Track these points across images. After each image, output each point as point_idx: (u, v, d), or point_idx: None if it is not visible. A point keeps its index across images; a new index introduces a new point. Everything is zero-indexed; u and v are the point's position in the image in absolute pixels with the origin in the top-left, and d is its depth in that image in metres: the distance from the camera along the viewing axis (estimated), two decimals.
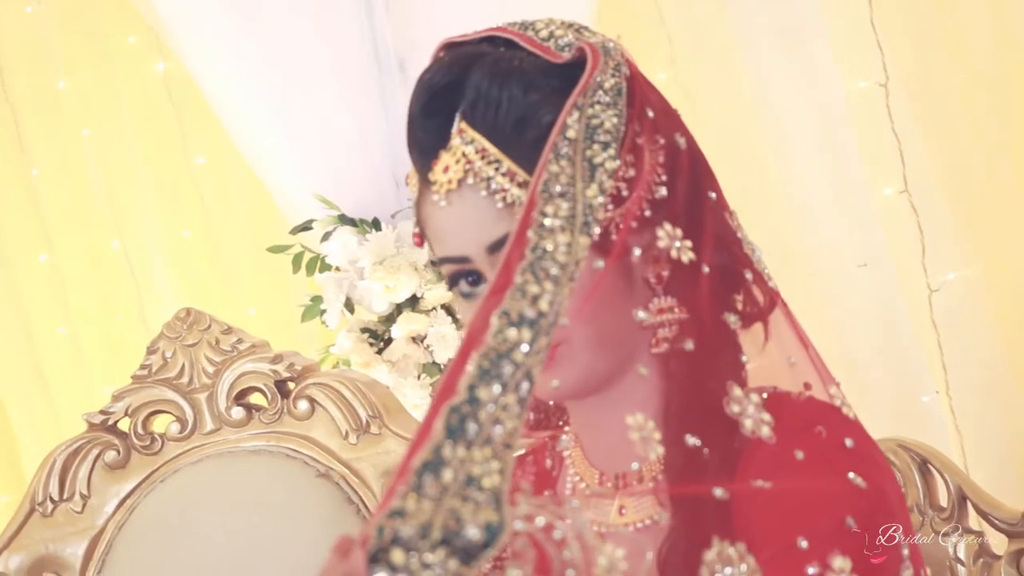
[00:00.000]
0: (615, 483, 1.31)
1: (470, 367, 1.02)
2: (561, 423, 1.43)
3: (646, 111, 1.22)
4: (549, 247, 1.10)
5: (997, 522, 1.83)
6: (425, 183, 1.27)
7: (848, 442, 1.20)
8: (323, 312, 2.86)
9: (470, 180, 1.23)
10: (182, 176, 3.42)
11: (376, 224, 2.78)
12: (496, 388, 1.01)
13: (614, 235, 1.19)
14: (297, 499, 2.22)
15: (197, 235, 3.46)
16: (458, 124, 1.24)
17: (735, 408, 1.18)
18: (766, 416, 1.18)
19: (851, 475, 1.17)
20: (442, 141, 1.25)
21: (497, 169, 1.22)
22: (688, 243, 1.21)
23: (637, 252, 1.20)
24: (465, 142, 1.23)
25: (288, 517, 2.20)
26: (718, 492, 1.14)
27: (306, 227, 2.83)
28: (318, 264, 2.86)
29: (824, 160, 2.78)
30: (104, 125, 3.43)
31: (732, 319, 1.23)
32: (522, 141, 1.22)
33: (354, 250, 2.77)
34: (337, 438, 2.21)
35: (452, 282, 1.30)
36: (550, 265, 1.09)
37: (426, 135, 1.26)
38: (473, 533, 0.92)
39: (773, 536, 1.14)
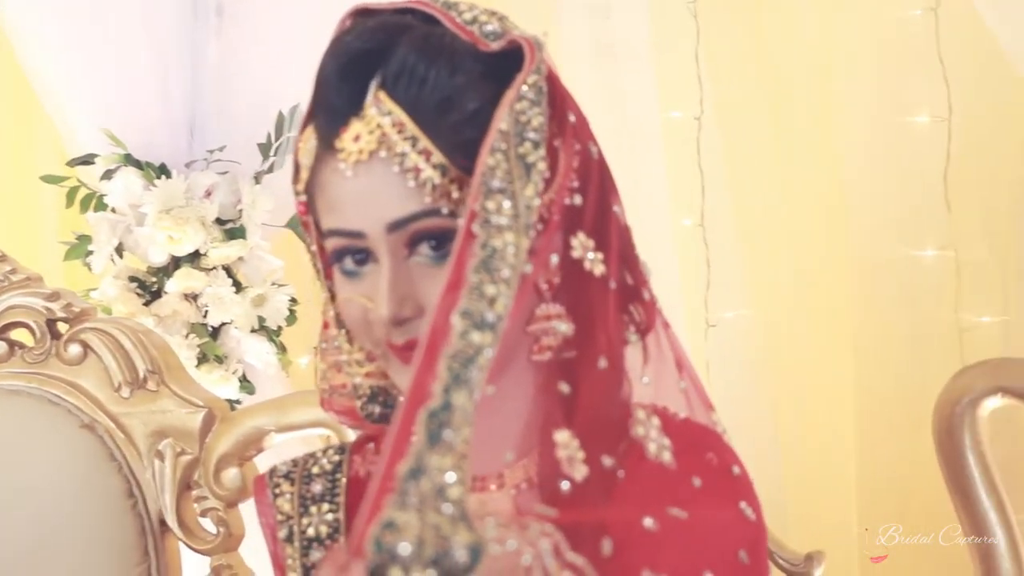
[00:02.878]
0: (472, 483, 1.26)
1: (442, 370, 0.97)
2: None
3: (568, 115, 1.19)
4: (498, 245, 1.06)
5: (781, 562, 1.86)
6: (329, 149, 1.19)
7: (735, 470, 1.17)
8: (89, 253, 2.69)
9: (382, 153, 1.17)
10: None
11: (164, 170, 2.64)
12: (466, 394, 0.97)
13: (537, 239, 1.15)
14: (54, 447, 2.08)
15: None
16: (375, 93, 1.17)
17: (640, 431, 1.15)
18: (666, 441, 1.15)
19: (742, 504, 1.15)
20: (355, 108, 1.18)
21: (413, 146, 1.16)
22: (600, 255, 1.17)
23: (555, 259, 1.16)
24: (382, 113, 1.17)
25: (41, 465, 2.06)
26: (647, 522, 1.10)
27: (87, 161, 2.66)
28: (93, 202, 2.70)
29: (630, 183, 2.77)
30: None
31: (633, 338, 1.20)
32: (443, 122, 1.16)
33: (138, 194, 2.62)
34: (108, 389, 2.09)
35: (337, 257, 1.22)
36: (502, 265, 1.05)
37: (339, 99, 1.18)
38: (460, 555, 0.89)
39: (683, 569, 1.10)
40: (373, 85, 1.17)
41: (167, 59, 2.67)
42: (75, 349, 2.11)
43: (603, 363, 1.15)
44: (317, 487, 1.36)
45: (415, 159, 1.16)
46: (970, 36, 2.67)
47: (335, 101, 1.18)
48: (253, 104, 2.68)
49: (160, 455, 2.06)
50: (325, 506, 1.35)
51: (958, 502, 1.85)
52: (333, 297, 1.28)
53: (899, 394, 2.85)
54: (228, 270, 2.65)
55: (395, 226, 1.17)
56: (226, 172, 2.66)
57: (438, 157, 1.16)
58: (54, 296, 2.14)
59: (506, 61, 1.18)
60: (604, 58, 2.81)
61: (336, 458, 1.38)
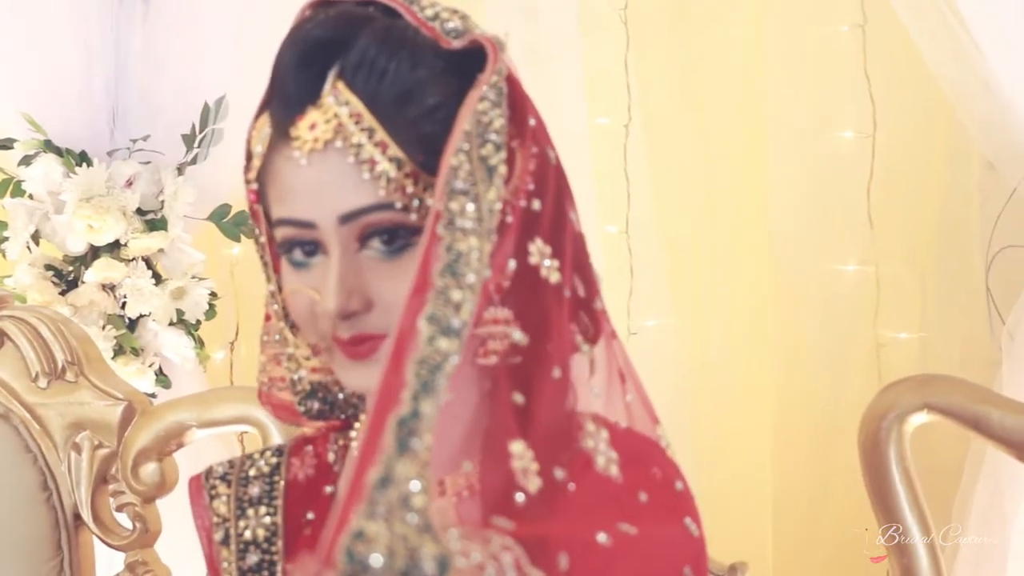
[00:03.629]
0: None
1: (410, 377, 0.97)
2: (344, 416, 1.35)
3: (528, 118, 1.17)
4: (463, 249, 1.05)
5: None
6: (283, 137, 1.18)
7: (679, 485, 1.17)
8: (3, 240, 2.63)
9: (338, 143, 1.15)
10: None
11: (84, 158, 2.59)
12: (433, 401, 0.96)
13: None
14: None
15: None
16: (333, 82, 1.16)
17: (589, 443, 1.14)
18: (613, 453, 1.14)
19: (687, 520, 1.14)
20: (312, 96, 1.16)
21: (370, 137, 1.15)
22: (556, 263, 1.15)
23: (512, 265, 1.13)
24: (339, 103, 1.15)
25: None
26: (601, 537, 1.08)
27: (6, 145, 2.60)
28: (10, 188, 2.63)
29: None
30: None
31: (584, 347, 1.18)
32: (401, 116, 1.15)
33: (58, 181, 2.56)
34: (24, 379, 2.04)
35: (286, 247, 1.20)
36: (466, 270, 1.04)
37: (296, 87, 1.17)
38: (429, 567, 0.88)
39: None
40: (331, 75, 1.16)
41: (91, 44, 2.61)
42: None
43: (557, 373, 1.14)
44: (254, 489, 1.34)
45: (371, 151, 1.14)
46: (897, 53, 2.70)
47: (292, 89, 1.17)
48: (178, 93, 2.63)
49: (77, 447, 2.02)
50: (263, 509, 1.33)
51: (881, 515, 1.87)
52: (280, 289, 1.26)
53: (817, 406, 2.87)
54: (147, 261, 2.61)
55: (347, 218, 1.16)
56: (148, 162, 2.61)
57: (394, 151, 1.15)
58: None
59: (467, 60, 1.17)
60: (532, 60, 2.80)
61: (273, 460, 1.36)
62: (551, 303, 1.15)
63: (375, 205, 1.15)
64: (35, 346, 2.04)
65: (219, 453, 2.70)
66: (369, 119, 1.15)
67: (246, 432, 2.07)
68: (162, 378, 2.63)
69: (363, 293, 1.16)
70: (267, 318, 1.33)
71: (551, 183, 1.18)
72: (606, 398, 1.18)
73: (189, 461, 2.11)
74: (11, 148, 2.61)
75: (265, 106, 1.21)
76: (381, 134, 1.15)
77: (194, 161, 2.63)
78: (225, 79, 2.64)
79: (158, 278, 2.61)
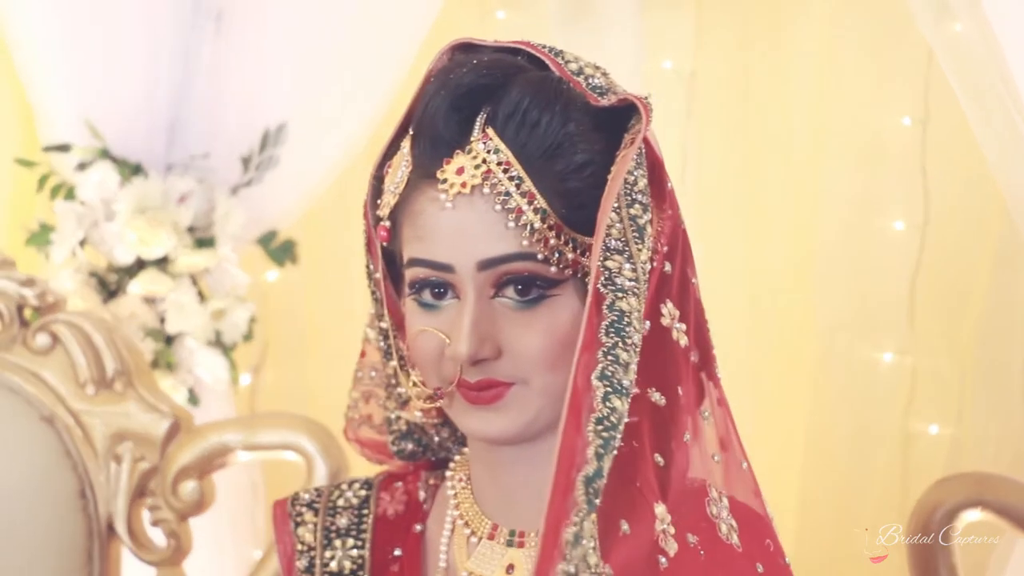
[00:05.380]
0: (510, 539, 1.24)
1: (591, 435, 0.99)
2: (433, 458, 1.34)
3: (666, 180, 1.18)
4: (626, 308, 1.07)
5: None
6: (427, 178, 1.18)
7: (787, 559, 1.17)
8: (49, 243, 2.62)
9: (486, 189, 1.16)
10: None
11: (139, 170, 2.59)
12: (610, 459, 1.00)
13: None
14: (11, 437, 2.01)
15: None
16: (482, 128, 1.17)
17: (713, 509, 1.14)
18: (734, 522, 1.15)
19: None
20: (461, 141, 1.17)
21: (518, 187, 1.15)
22: (684, 326, 1.16)
23: (647, 325, 1.13)
24: (488, 150, 1.16)
25: None
26: None
27: (64, 148, 2.60)
28: (63, 191, 2.63)
29: None
30: None
31: (706, 413, 1.19)
32: (548, 169, 1.16)
33: (112, 190, 2.56)
34: (72, 384, 2.03)
35: (415, 287, 1.20)
36: (630, 330, 1.06)
37: (447, 130, 1.17)
38: None
39: None
40: (480, 120, 1.16)
41: (160, 56, 2.62)
42: (43, 339, 2.05)
43: (687, 436, 1.14)
44: (343, 520, 1.33)
45: (518, 200, 1.15)
46: (955, 149, 2.70)
47: (443, 132, 1.17)
48: (238, 114, 2.63)
49: (118, 458, 2.01)
50: (350, 541, 1.32)
51: None
52: (393, 327, 1.26)
53: (840, 487, 2.86)
54: (192, 278, 2.60)
55: (487, 264, 1.16)
56: (203, 180, 2.61)
57: (540, 202, 1.15)
58: (30, 282, 2.09)
59: (611, 117, 1.17)
60: None
61: (362, 493, 1.35)
62: (681, 365, 1.15)
63: (517, 254, 1.15)
64: (86, 353, 2.03)
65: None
66: (517, 168, 1.15)
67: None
68: (192, 397, 2.62)
69: (494, 340, 1.17)
70: (362, 354, 1.33)
71: (680, 246, 1.18)
72: (724, 465, 1.18)
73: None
74: (68, 151, 2.61)
75: (394, 145, 1.22)
76: (528, 184, 1.15)
77: (248, 183, 2.63)
78: (285, 105, 2.65)
79: (201, 296, 2.60)
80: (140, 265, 2.58)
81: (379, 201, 1.24)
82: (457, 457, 1.33)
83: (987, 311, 2.71)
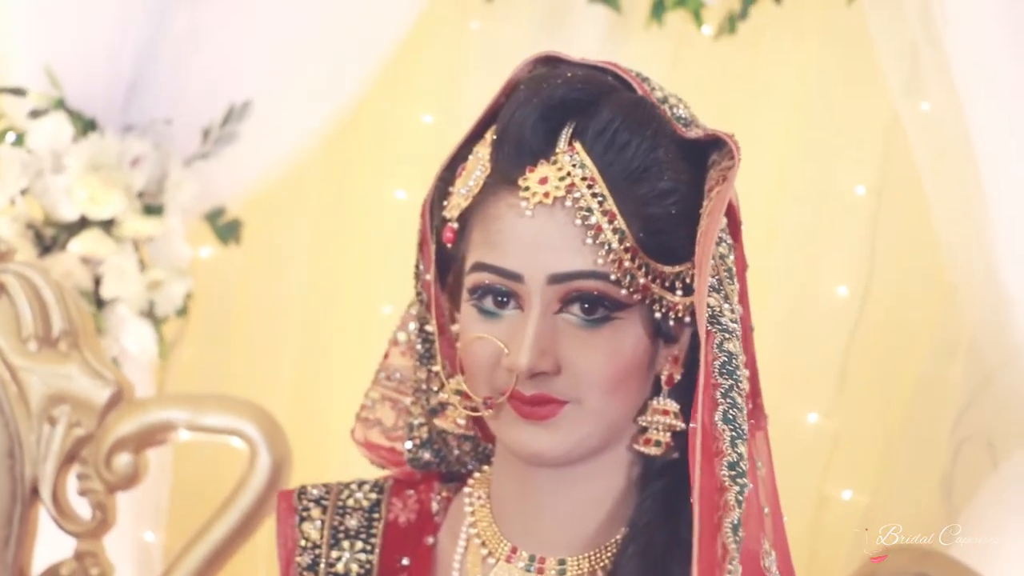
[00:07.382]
0: (529, 564, 1.21)
1: (727, 480, 1.02)
2: (446, 471, 1.32)
3: (739, 219, 1.17)
4: (733, 350, 1.07)
5: None
6: (507, 184, 1.16)
7: None
8: None
9: (568, 202, 1.14)
10: None
11: (93, 126, 2.51)
12: (744, 507, 1.02)
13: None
14: None
15: None
16: (568, 141, 1.15)
17: (766, 562, 1.12)
18: None
19: None
20: (547, 151, 1.16)
21: (600, 204, 1.14)
22: (747, 372, 1.15)
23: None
24: (574, 163, 1.14)
25: None
26: None
27: (19, 92, 2.51)
28: (9, 136, 2.54)
29: None
30: None
31: (759, 463, 1.17)
32: (631, 191, 1.15)
33: (64, 142, 2.48)
34: (14, 339, 1.96)
35: (478, 293, 1.18)
36: (740, 376, 1.07)
37: (534, 138, 1.16)
38: None
39: None
40: (566, 133, 1.15)
41: (132, 14, 2.55)
42: None
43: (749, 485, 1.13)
44: (352, 522, 1.29)
45: (599, 218, 1.13)
46: (908, 223, 2.73)
47: (529, 140, 1.15)
48: (205, 85, 2.58)
49: (52, 420, 1.94)
50: (359, 544, 1.28)
51: None
52: (439, 331, 1.23)
53: None
54: (135, 245, 2.53)
55: (559, 278, 1.14)
56: (159, 147, 2.55)
57: (620, 223, 1.14)
58: None
59: (694, 150, 1.17)
60: None
61: (373, 496, 1.32)
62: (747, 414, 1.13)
63: (590, 272, 1.14)
64: (33, 307, 1.96)
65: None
66: (602, 186, 1.14)
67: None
68: (115, 365, 2.55)
69: (554, 356, 1.15)
70: (385, 356, 1.30)
71: (741, 277, 1.17)
72: (772, 519, 1.16)
73: None
74: (23, 96, 2.52)
75: (467, 147, 1.20)
76: (611, 203, 1.14)
77: (205, 156, 2.58)
78: (252, 84, 2.60)
79: (141, 264, 2.53)
80: (82, 224, 2.50)
81: (445, 203, 1.22)
82: (477, 474, 1.31)
83: (920, 384, 2.73)
